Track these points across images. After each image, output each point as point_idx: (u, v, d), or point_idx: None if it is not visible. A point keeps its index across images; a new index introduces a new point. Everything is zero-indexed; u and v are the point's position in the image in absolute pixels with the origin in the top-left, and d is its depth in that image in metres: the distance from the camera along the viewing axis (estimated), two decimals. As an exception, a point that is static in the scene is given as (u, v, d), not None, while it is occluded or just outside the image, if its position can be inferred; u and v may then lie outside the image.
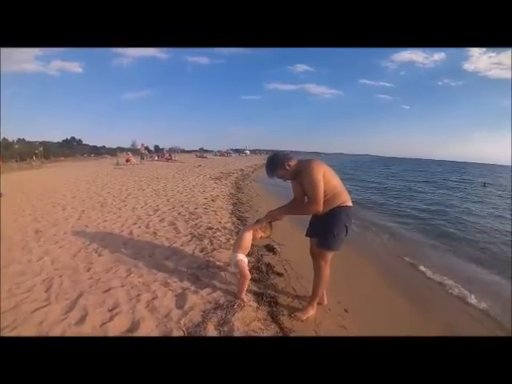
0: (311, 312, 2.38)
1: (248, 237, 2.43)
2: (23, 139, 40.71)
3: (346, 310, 2.51)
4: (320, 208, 2.16)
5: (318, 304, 2.49)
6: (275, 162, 2.36)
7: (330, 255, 2.33)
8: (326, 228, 2.26)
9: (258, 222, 2.47)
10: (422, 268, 3.95)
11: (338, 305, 2.55)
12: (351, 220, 2.31)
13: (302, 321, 2.29)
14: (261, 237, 2.50)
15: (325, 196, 2.17)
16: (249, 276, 2.38)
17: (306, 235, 2.52)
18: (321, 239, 2.33)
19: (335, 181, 2.27)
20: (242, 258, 2.39)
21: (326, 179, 2.18)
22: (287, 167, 2.30)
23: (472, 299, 3.14)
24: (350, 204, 2.30)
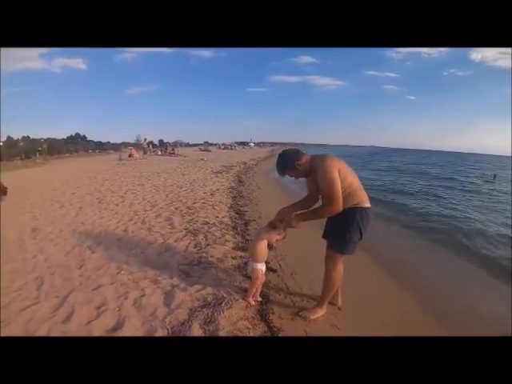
0: (320, 312, 2.30)
1: (263, 245, 2.28)
2: (28, 137, 41.16)
3: (339, 308, 2.44)
4: (340, 208, 1.99)
5: (331, 304, 2.43)
6: (284, 162, 2.20)
7: (339, 258, 2.20)
8: (338, 230, 2.13)
9: (271, 225, 2.29)
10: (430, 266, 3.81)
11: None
12: (367, 222, 2.14)
13: (310, 321, 2.23)
14: (277, 240, 2.35)
15: None
16: (260, 285, 2.30)
17: (323, 237, 2.34)
18: (332, 241, 2.22)
19: (352, 178, 2.09)
20: (261, 266, 2.28)
21: (342, 176, 2.01)
22: (298, 167, 2.15)
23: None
24: (367, 205, 2.12)
